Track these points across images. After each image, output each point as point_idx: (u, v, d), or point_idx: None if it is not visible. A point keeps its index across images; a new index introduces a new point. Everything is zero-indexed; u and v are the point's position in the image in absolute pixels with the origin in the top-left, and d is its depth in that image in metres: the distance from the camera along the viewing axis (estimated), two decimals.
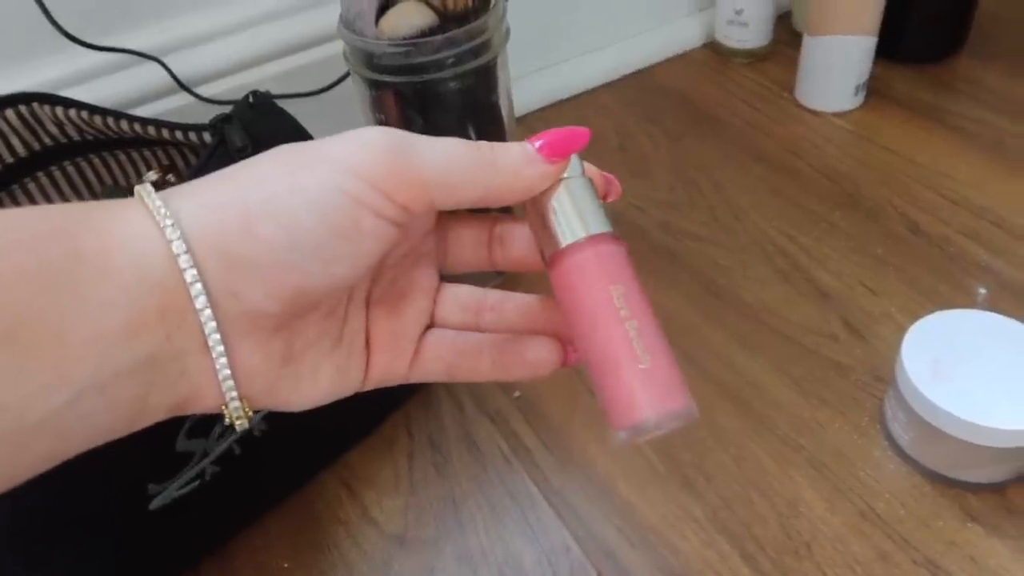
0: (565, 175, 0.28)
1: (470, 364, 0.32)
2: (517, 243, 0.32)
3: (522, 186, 0.28)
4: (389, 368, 0.31)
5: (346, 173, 0.25)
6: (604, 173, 0.31)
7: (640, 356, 0.26)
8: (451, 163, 0.26)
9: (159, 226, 0.24)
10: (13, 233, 0.23)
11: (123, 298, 0.23)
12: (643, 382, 0.26)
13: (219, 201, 0.25)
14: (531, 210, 0.29)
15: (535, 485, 0.51)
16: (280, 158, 0.26)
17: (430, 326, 0.32)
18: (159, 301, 0.24)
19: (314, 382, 0.29)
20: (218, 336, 0.25)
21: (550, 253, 0.29)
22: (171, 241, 0.24)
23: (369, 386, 0.31)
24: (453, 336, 0.32)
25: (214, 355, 0.25)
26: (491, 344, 0.32)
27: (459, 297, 0.33)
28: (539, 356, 0.31)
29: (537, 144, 0.28)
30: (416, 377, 0.32)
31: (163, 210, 0.24)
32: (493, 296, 0.33)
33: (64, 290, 0.22)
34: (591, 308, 0.27)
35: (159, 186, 0.27)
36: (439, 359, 0.32)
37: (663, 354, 0.27)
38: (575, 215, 0.28)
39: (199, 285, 0.24)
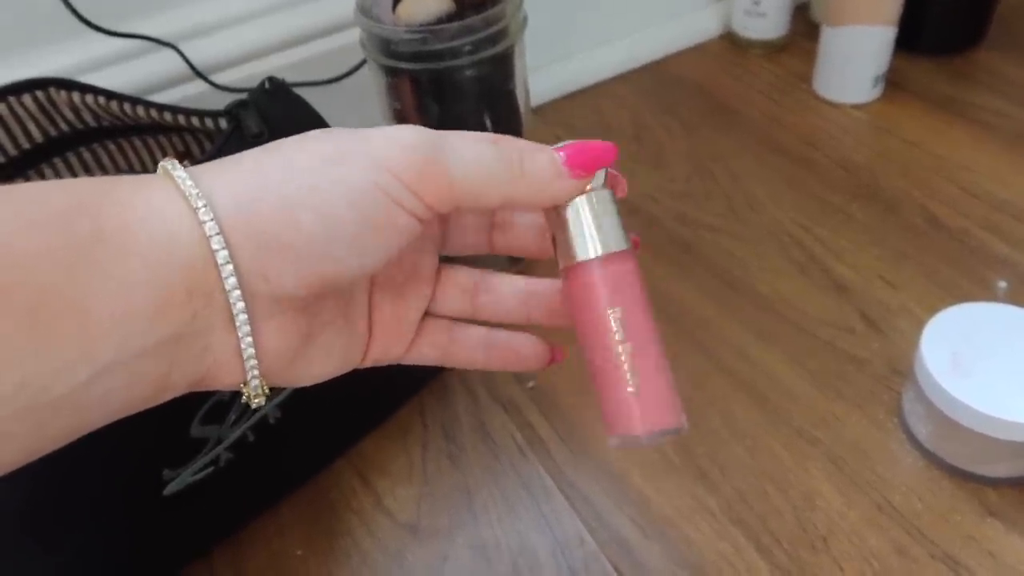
0: (588, 187, 0.29)
1: (465, 353, 0.33)
2: (519, 229, 0.33)
3: (546, 197, 0.28)
4: (387, 349, 0.32)
5: (382, 170, 0.25)
6: (611, 171, 0.31)
7: (629, 380, 0.28)
8: (480, 169, 0.27)
9: (190, 206, 0.24)
10: (36, 210, 0.22)
11: (149, 276, 0.23)
12: (631, 403, 0.28)
13: (256, 186, 0.25)
14: (550, 213, 0.30)
15: (549, 476, 0.51)
16: (317, 149, 0.26)
17: (430, 311, 0.33)
18: (186, 280, 0.24)
19: (324, 360, 0.30)
20: (245, 317, 0.25)
21: (562, 263, 0.30)
22: (204, 222, 0.24)
23: (366, 364, 0.32)
24: (450, 325, 0.33)
25: (240, 335, 0.25)
26: (486, 338, 0.33)
27: (458, 279, 0.33)
28: (532, 353, 0.33)
29: (564, 155, 0.28)
30: (411, 359, 0.33)
31: (194, 189, 0.24)
32: (489, 278, 0.34)
33: (87, 268, 0.22)
34: (591, 329, 0.29)
35: None
36: (435, 345, 0.33)
37: (656, 374, 0.29)
38: (589, 231, 0.29)
39: (230, 267, 0.24)
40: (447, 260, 0.34)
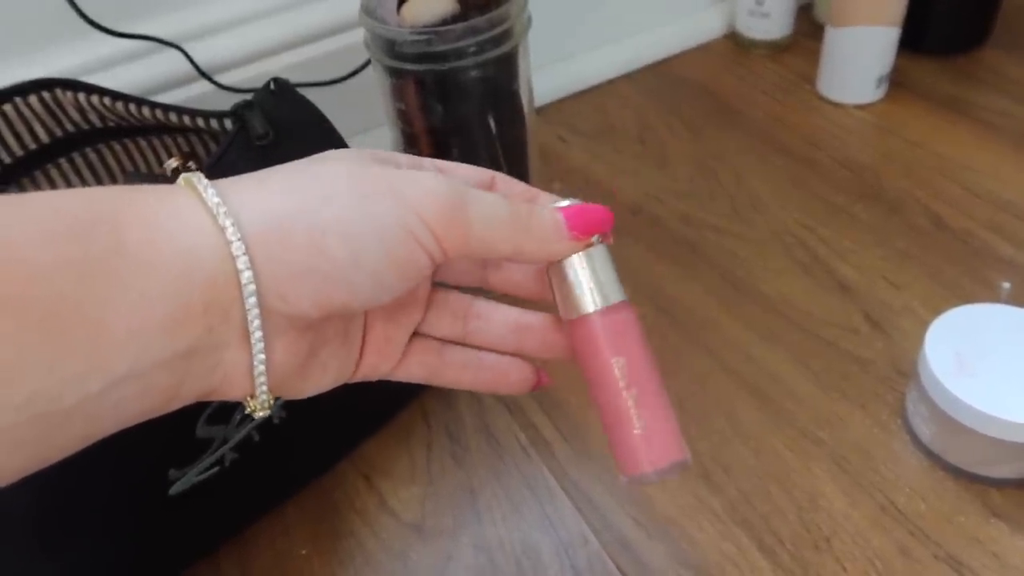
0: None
1: (452, 374, 0.34)
2: (515, 268, 0.34)
3: (548, 254, 0.30)
4: (376, 366, 0.33)
5: (411, 213, 0.27)
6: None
7: (636, 423, 0.31)
8: (495, 223, 0.29)
9: (217, 224, 0.24)
10: (55, 220, 0.23)
11: (168, 291, 0.23)
12: (639, 444, 0.31)
13: (286, 211, 0.26)
14: (552, 267, 0.32)
15: (553, 476, 0.51)
16: (347, 179, 0.27)
17: (420, 332, 0.34)
18: (204, 295, 0.24)
19: (320, 375, 0.31)
20: (260, 334, 0.26)
21: (564, 315, 0.32)
22: (231, 242, 0.24)
23: (355, 379, 0.33)
24: (440, 346, 0.34)
25: (254, 351, 0.26)
26: (475, 360, 0.34)
27: (448, 303, 0.35)
28: (519, 378, 0.35)
29: (565, 214, 0.30)
30: (398, 376, 0.34)
31: (222, 208, 0.25)
32: (480, 305, 0.35)
33: (106, 281, 0.22)
34: (597, 377, 0.32)
35: (178, 172, 0.27)
36: (423, 364, 0.34)
37: (661, 415, 0.31)
38: (588, 286, 0.31)
39: (253, 287, 0.25)
40: (441, 285, 0.35)
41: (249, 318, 0.25)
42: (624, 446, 0.31)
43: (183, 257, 0.24)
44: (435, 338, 0.34)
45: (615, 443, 0.32)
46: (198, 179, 0.26)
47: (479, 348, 0.35)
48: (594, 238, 0.31)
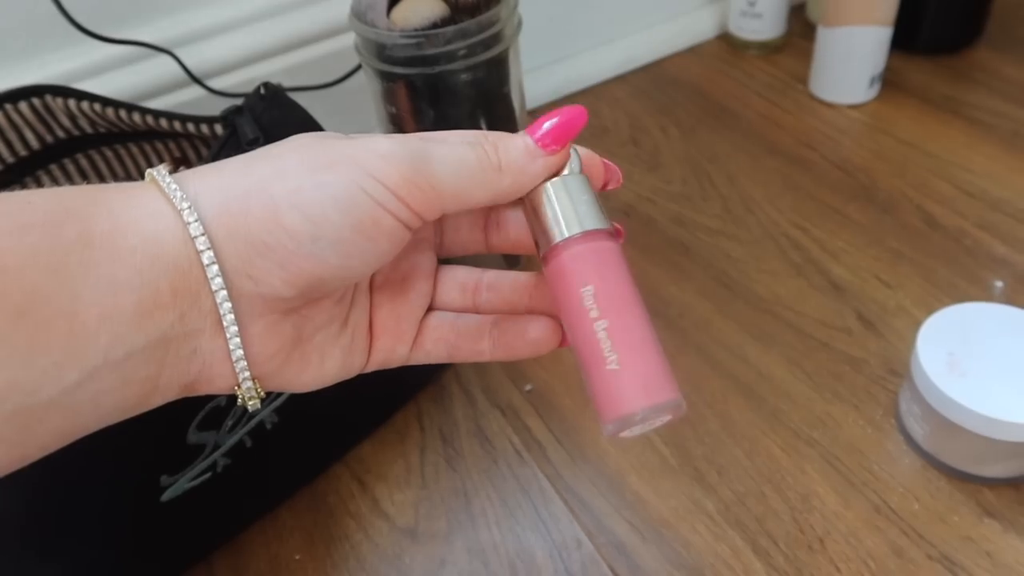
0: (564, 172, 0.29)
1: (471, 345, 0.32)
2: (513, 225, 0.32)
3: (527, 182, 0.29)
4: (391, 351, 0.32)
5: (367, 177, 0.26)
6: (605, 160, 0.31)
7: (608, 357, 0.27)
8: (462, 172, 0.27)
9: (175, 208, 0.25)
10: (25, 215, 0.23)
11: (136, 278, 0.24)
12: (614, 381, 0.27)
13: (241, 188, 0.26)
14: (526, 207, 0.30)
15: (546, 479, 0.51)
16: (301, 153, 0.27)
17: (431, 308, 0.33)
18: (172, 281, 0.24)
19: (321, 364, 0.30)
20: (232, 316, 0.25)
21: (541, 251, 0.29)
22: (188, 223, 0.24)
23: (371, 368, 0.32)
24: (454, 318, 0.33)
25: (228, 335, 0.26)
26: (492, 325, 0.32)
27: (457, 278, 0.33)
28: (540, 335, 0.31)
29: (537, 135, 0.28)
30: (417, 359, 0.33)
31: (179, 192, 0.25)
32: (490, 275, 0.33)
33: (75, 271, 0.23)
34: (567, 311, 0.28)
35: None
36: (440, 340, 0.33)
37: (640, 348, 0.27)
38: (559, 215, 0.28)
39: (215, 267, 0.25)
40: (447, 262, 0.34)
41: (218, 300, 0.25)
42: (600, 387, 0.27)
43: (147, 245, 0.24)
44: (448, 312, 0.33)
45: (591, 387, 0.27)
46: (159, 172, 0.26)
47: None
48: (567, 167, 0.29)
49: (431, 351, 0.33)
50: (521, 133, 0.29)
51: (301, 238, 0.25)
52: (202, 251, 0.24)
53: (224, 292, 0.25)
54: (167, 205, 0.25)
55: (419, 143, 0.27)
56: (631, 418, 0.27)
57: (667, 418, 0.27)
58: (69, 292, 0.22)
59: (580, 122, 0.29)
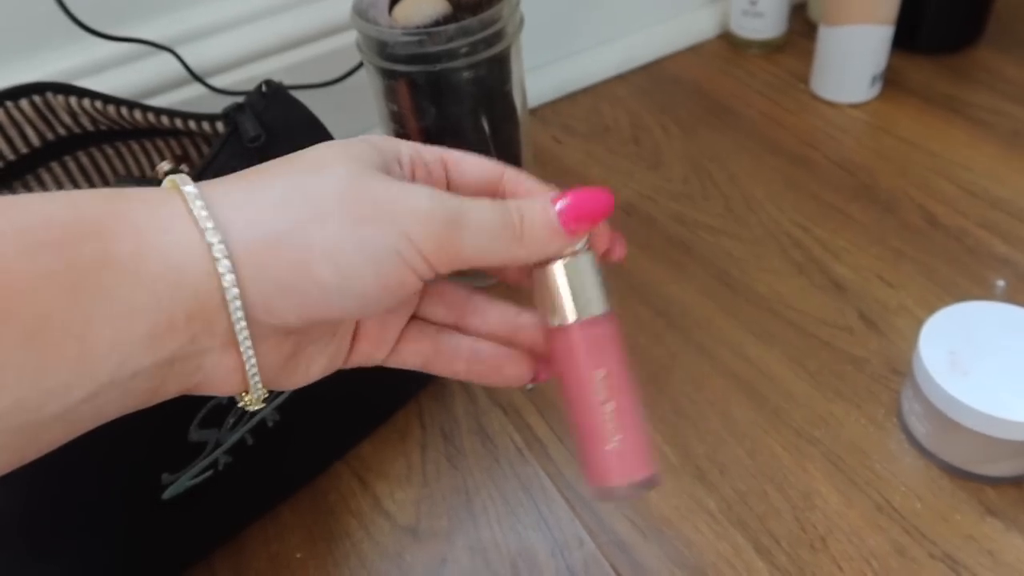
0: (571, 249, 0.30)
1: (445, 363, 0.34)
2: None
3: (543, 257, 0.30)
4: (370, 355, 0.33)
5: (403, 238, 0.26)
6: (614, 232, 0.32)
7: (610, 437, 0.31)
8: (487, 236, 0.28)
9: (203, 239, 0.24)
10: (40, 230, 0.22)
11: (153, 304, 0.24)
12: (611, 458, 0.31)
13: (275, 232, 0.26)
14: (536, 271, 0.31)
15: (548, 477, 0.51)
16: (341, 196, 0.26)
17: (414, 316, 0.34)
18: (189, 308, 0.24)
19: (308, 369, 0.31)
20: (250, 343, 0.26)
21: (546, 323, 0.31)
22: (217, 259, 0.24)
23: (348, 366, 0.33)
24: (435, 332, 0.34)
25: (244, 359, 0.26)
26: (470, 351, 0.34)
27: (444, 295, 0.34)
28: (514, 374, 0.34)
29: (560, 207, 0.29)
30: (392, 363, 0.34)
31: (209, 223, 0.25)
32: (478, 299, 0.34)
33: (92, 294, 0.22)
34: (575, 388, 0.31)
35: (172, 173, 0.27)
36: (418, 353, 0.34)
37: (634, 430, 0.31)
38: (572, 295, 0.30)
39: (239, 303, 0.25)
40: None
41: (236, 329, 0.25)
42: (596, 458, 0.31)
43: (170, 273, 0.24)
44: (431, 324, 0.34)
45: (586, 454, 0.31)
46: (184, 182, 0.25)
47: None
48: (579, 244, 0.30)
49: (406, 360, 0.34)
50: (544, 201, 0.29)
51: (329, 289, 0.26)
52: (227, 288, 0.25)
53: (244, 323, 0.25)
54: (194, 232, 0.24)
55: (455, 204, 0.28)
56: (619, 490, 0.31)
57: (645, 490, 0.32)
58: (82, 315, 0.22)
59: (607, 211, 0.30)
